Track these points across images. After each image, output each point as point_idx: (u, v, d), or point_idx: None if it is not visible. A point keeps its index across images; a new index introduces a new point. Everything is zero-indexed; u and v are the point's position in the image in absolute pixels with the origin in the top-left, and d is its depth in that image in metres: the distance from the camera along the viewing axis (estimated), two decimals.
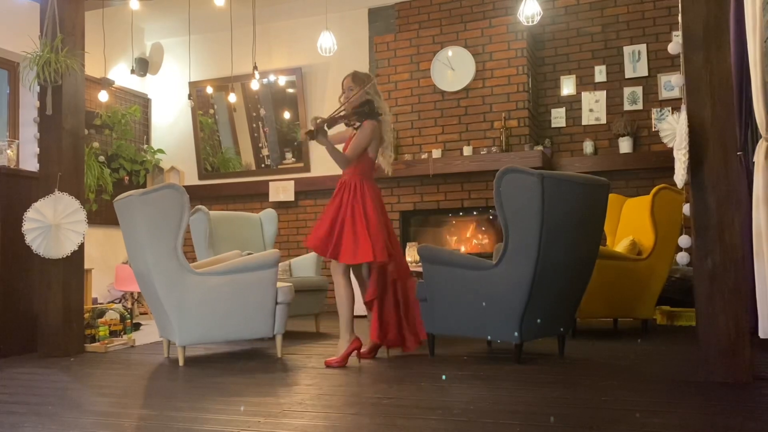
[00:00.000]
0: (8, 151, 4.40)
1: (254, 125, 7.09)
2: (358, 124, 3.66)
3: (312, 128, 3.51)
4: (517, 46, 5.81)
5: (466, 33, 5.98)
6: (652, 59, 5.79)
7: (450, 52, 5.98)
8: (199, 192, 7.01)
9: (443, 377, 3.06)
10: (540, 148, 5.70)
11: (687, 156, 2.86)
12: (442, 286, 3.60)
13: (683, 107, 2.97)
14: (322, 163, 6.71)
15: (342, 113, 3.63)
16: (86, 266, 4.52)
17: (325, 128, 3.57)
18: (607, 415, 2.39)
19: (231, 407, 2.62)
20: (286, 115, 6.98)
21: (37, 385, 3.19)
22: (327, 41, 5.80)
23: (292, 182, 6.81)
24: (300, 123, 6.85)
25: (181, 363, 3.64)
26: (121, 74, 6.97)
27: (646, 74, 5.79)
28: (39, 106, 4.22)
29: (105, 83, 6.56)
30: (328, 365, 3.45)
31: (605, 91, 5.91)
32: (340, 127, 3.85)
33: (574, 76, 6.02)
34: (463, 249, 5.98)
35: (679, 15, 3.02)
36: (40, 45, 4.13)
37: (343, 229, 3.55)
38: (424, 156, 5.98)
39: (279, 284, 3.84)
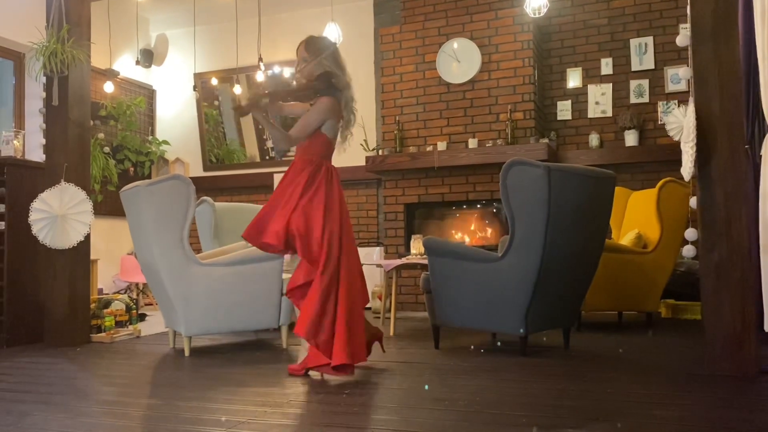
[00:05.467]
0: (14, 142, 4.40)
1: None
2: (311, 99, 3.13)
3: (243, 102, 2.97)
4: (523, 38, 5.78)
5: (472, 25, 5.96)
6: (658, 52, 5.75)
7: (456, 43, 5.96)
8: (204, 183, 7.01)
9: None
10: (545, 140, 5.69)
11: (694, 149, 2.85)
12: (447, 279, 3.60)
13: (691, 100, 2.96)
14: None
15: (292, 87, 3.10)
16: (92, 257, 4.53)
17: (263, 102, 3.05)
18: (612, 407, 2.40)
19: (237, 397, 2.63)
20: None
21: (45, 375, 3.21)
22: (332, 33, 5.78)
23: None
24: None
25: (186, 353, 3.65)
26: (126, 65, 6.96)
27: (653, 67, 5.76)
28: (45, 97, 4.22)
29: (110, 74, 6.56)
30: (291, 372, 3.07)
31: (611, 84, 5.88)
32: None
33: (580, 68, 6.00)
34: (467, 241, 5.98)
35: (688, 7, 3.00)
36: (46, 35, 4.13)
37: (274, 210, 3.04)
38: (429, 148, 5.97)
39: (284, 276, 3.84)
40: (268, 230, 3.03)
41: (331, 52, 3.16)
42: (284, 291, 3.77)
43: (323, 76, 3.10)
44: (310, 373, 3.07)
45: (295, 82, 3.12)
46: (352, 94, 3.22)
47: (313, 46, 3.15)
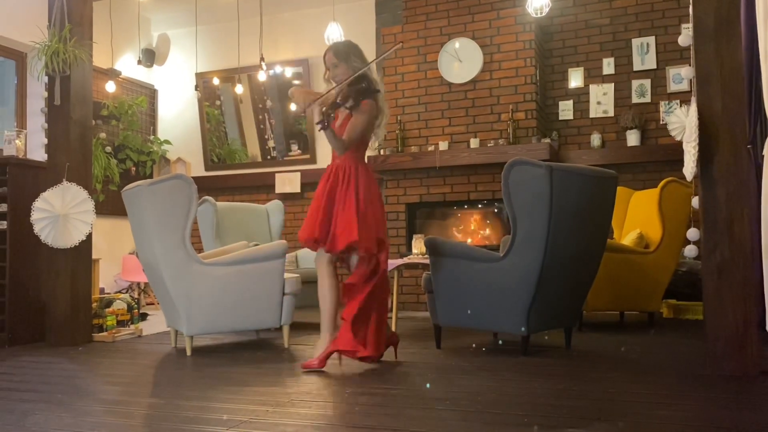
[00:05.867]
0: (16, 141, 4.41)
1: (260, 117, 7.09)
2: (352, 103, 3.22)
3: (322, 118, 3.08)
4: (525, 38, 5.78)
5: (473, 24, 5.96)
6: (660, 52, 5.75)
7: (457, 43, 5.96)
8: (206, 183, 7.01)
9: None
10: (547, 140, 5.69)
11: (696, 149, 2.85)
12: (448, 278, 3.60)
13: (693, 99, 2.96)
14: (328, 155, 6.69)
15: (340, 95, 3.20)
16: (93, 256, 4.54)
17: (332, 115, 3.20)
18: (614, 407, 2.40)
19: (239, 396, 2.63)
20: (293, 106, 6.96)
21: (47, 374, 3.21)
22: (334, 32, 5.78)
23: (298, 174, 6.81)
24: (306, 115, 6.82)
25: (188, 353, 3.66)
26: (128, 65, 6.97)
27: (655, 67, 5.76)
28: (47, 97, 4.23)
29: (112, 74, 6.56)
30: (306, 368, 3.13)
31: (613, 84, 5.88)
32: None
33: (582, 68, 6.00)
34: (469, 241, 5.98)
35: (690, 6, 3.00)
36: (48, 35, 4.13)
37: (336, 218, 3.19)
38: (431, 148, 5.97)
39: (286, 275, 3.85)
40: (364, 236, 3.14)
41: (358, 53, 3.30)
42: (286, 291, 3.78)
43: (363, 79, 3.19)
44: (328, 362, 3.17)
45: (335, 90, 3.20)
46: (383, 92, 3.34)
47: (341, 51, 3.28)
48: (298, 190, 6.82)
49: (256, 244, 4.14)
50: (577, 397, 2.55)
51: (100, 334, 4.31)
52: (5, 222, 4.15)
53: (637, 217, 4.75)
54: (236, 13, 6.31)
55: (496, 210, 5.97)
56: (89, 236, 4.18)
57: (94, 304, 4.45)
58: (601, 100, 5.90)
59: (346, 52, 3.28)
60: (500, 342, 3.91)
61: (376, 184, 3.35)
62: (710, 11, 2.89)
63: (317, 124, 3.09)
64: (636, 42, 5.82)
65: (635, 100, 5.80)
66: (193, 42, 6.92)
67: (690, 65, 3.04)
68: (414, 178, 6.11)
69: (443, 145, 5.92)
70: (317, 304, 4.89)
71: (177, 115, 7.42)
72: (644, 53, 5.80)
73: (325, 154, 6.76)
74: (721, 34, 2.87)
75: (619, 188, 4.17)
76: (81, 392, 2.79)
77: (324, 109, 3.11)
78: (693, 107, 2.90)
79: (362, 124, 3.22)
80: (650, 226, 4.51)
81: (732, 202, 2.84)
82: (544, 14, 5.20)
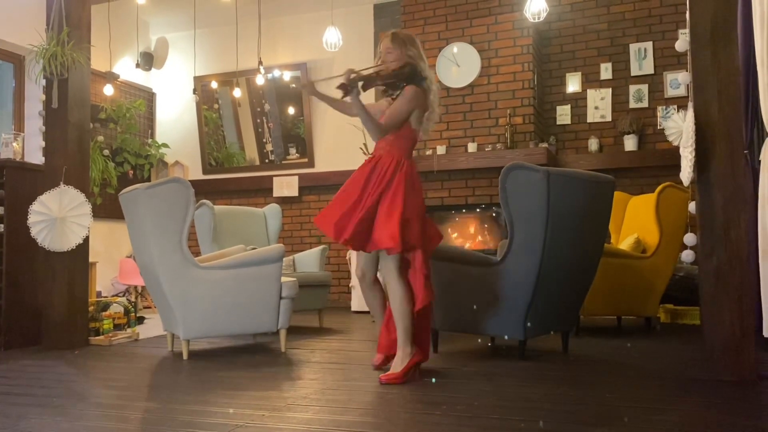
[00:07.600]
0: (14, 144, 4.40)
1: (258, 120, 7.09)
2: (397, 92, 3.12)
3: (345, 81, 2.88)
4: (522, 42, 5.79)
5: (471, 29, 5.97)
6: (658, 57, 5.77)
7: (455, 48, 5.97)
8: (203, 186, 7.01)
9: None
10: (545, 145, 5.70)
11: (694, 154, 2.85)
12: (445, 282, 3.60)
13: (690, 105, 2.97)
14: (327, 159, 6.72)
15: (381, 73, 3.08)
16: (90, 260, 4.52)
17: (360, 87, 2.99)
18: (611, 412, 2.39)
19: (235, 401, 2.62)
20: (291, 110, 6.98)
21: (43, 377, 3.20)
22: (332, 36, 5.79)
23: (296, 178, 6.82)
24: (304, 119, 6.83)
25: (185, 356, 3.65)
26: (126, 68, 6.97)
27: (652, 72, 5.78)
28: (45, 99, 4.22)
29: (110, 77, 6.55)
30: (385, 382, 2.89)
31: (611, 89, 5.90)
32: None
33: (579, 73, 6.01)
34: (467, 245, 5.98)
35: (687, 12, 3.01)
36: (46, 38, 4.13)
37: (377, 215, 2.96)
38: (429, 152, 5.97)
39: (283, 279, 3.84)
40: (412, 234, 2.95)
41: (416, 45, 3.17)
42: (283, 294, 3.77)
43: (408, 66, 3.10)
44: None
45: (382, 69, 3.12)
46: (436, 88, 3.25)
47: (398, 39, 3.16)
48: (296, 193, 6.82)
49: (254, 248, 4.13)
50: (574, 401, 2.55)
51: (97, 337, 4.30)
52: (2, 225, 4.14)
53: (635, 222, 4.75)
54: (235, 16, 6.32)
55: (493, 214, 5.97)
56: (86, 239, 4.17)
57: (91, 308, 4.43)
58: (599, 105, 5.92)
59: (402, 39, 3.14)
60: (503, 341, 3.91)
61: (420, 180, 3.14)
62: (707, 17, 2.90)
63: (338, 87, 2.93)
64: (633, 47, 5.84)
65: (633, 105, 5.82)
66: (192, 45, 6.92)
67: (687, 70, 3.05)
68: None
69: (441, 150, 5.93)
70: (315, 307, 4.94)
71: (175, 118, 7.43)
72: (642, 58, 5.82)
73: (323, 157, 6.76)
74: (717, 40, 2.88)
75: (616, 193, 4.18)
76: (77, 396, 2.78)
77: (353, 76, 2.94)
78: (690, 112, 2.91)
79: (402, 108, 3.05)
80: (647, 230, 4.52)
81: (729, 207, 2.84)
82: (541, 19, 5.21)
